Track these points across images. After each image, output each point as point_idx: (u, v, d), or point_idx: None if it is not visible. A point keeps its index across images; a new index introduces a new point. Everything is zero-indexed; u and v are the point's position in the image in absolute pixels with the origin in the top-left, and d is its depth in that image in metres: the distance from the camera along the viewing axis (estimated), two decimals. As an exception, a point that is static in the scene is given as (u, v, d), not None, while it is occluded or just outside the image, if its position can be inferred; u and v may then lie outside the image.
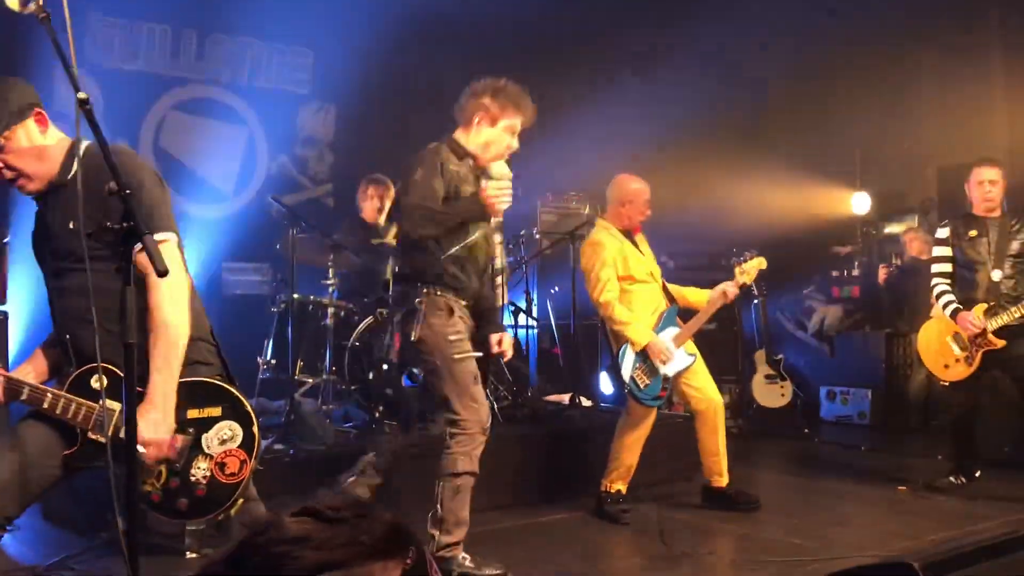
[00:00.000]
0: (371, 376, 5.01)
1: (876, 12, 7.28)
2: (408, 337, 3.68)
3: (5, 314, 4.29)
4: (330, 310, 5.17)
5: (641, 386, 4.54)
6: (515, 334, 6.78)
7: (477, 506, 4.67)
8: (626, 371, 4.56)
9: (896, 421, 7.28)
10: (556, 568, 3.88)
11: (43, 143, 2.50)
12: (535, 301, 6.65)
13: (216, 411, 2.54)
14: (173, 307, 2.44)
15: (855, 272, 8.00)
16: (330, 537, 0.94)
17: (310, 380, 5.23)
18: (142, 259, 2.27)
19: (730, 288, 4.72)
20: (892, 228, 8.00)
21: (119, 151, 2.45)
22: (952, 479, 5.11)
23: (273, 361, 5.31)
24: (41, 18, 2.12)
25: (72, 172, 2.46)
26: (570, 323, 6.45)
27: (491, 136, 3.79)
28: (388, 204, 6.00)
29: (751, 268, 4.74)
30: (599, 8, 7.94)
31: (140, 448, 2.34)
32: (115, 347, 2.20)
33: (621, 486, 4.69)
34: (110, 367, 2.36)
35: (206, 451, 2.52)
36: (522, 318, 6.59)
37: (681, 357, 4.64)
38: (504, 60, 7.79)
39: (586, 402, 6.16)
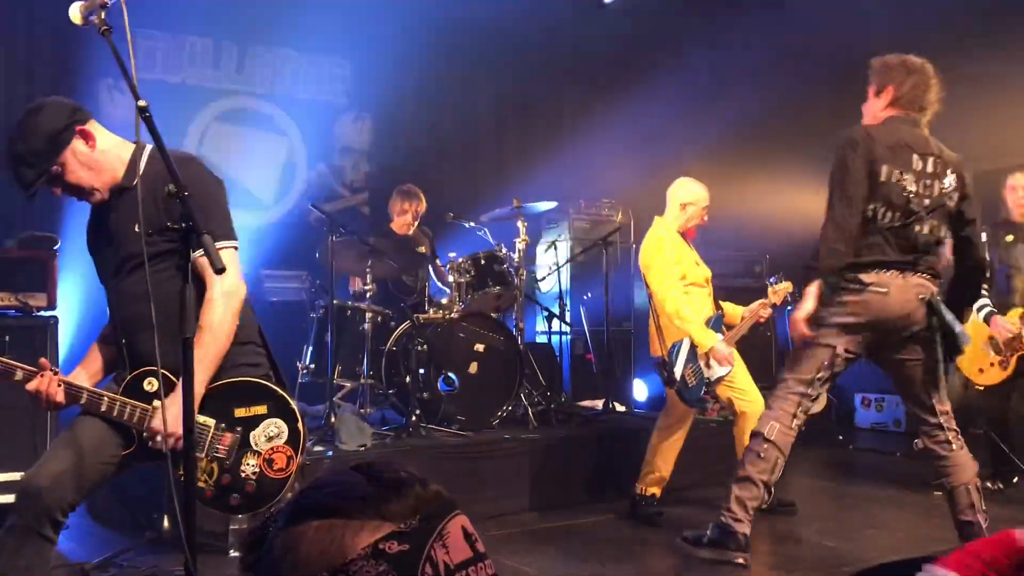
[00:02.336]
0: (408, 380, 5.09)
1: (912, 15, 7.26)
2: None
3: (55, 319, 4.41)
4: (367, 315, 5.26)
5: (688, 385, 4.59)
6: (548, 340, 6.86)
7: (513, 508, 4.77)
8: (678, 368, 4.59)
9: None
10: (592, 569, 3.93)
11: (93, 156, 2.56)
12: (568, 307, 6.70)
13: (262, 409, 2.62)
14: (224, 310, 2.53)
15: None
16: (350, 489, 1.02)
17: (348, 384, 5.33)
18: (202, 262, 2.38)
19: (764, 310, 4.79)
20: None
21: (187, 159, 2.59)
22: (989, 484, 5.09)
23: (312, 366, 5.42)
24: (103, 31, 2.23)
25: (137, 176, 2.55)
26: (603, 329, 6.49)
27: None
28: (419, 216, 6.10)
29: (781, 290, 4.81)
30: (631, 19, 8.00)
31: (158, 436, 2.44)
32: (172, 353, 2.30)
33: (656, 490, 4.72)
34: (167, 372, 2.46)
35: (254, 448, 2.60)
36: (556, 324, 6.64)
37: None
38: (537, 71, 7.94)
39: (620, 407, 6.20)
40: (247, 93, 7.09)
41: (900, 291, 3.48)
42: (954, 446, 3.59)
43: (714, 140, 7.24)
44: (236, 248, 2.63)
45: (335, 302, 5.20)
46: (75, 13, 2.28)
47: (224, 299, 2.53)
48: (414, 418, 4.97)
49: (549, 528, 4.56)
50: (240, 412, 2.62)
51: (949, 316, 3.48)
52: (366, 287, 5.36)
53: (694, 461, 5.15)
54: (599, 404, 6.10)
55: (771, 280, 4.89)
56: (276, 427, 2.61)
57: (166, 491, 3.79)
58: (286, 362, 5.64)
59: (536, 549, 4.14)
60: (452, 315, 5.28)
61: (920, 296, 3.50)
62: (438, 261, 5.89)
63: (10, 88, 6.01)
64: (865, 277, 3.50)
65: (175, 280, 2.26)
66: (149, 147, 2.61)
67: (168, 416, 2.38)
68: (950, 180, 3.58)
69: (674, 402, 4.68)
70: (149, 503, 4.15)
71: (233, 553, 3.88)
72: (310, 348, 5.46)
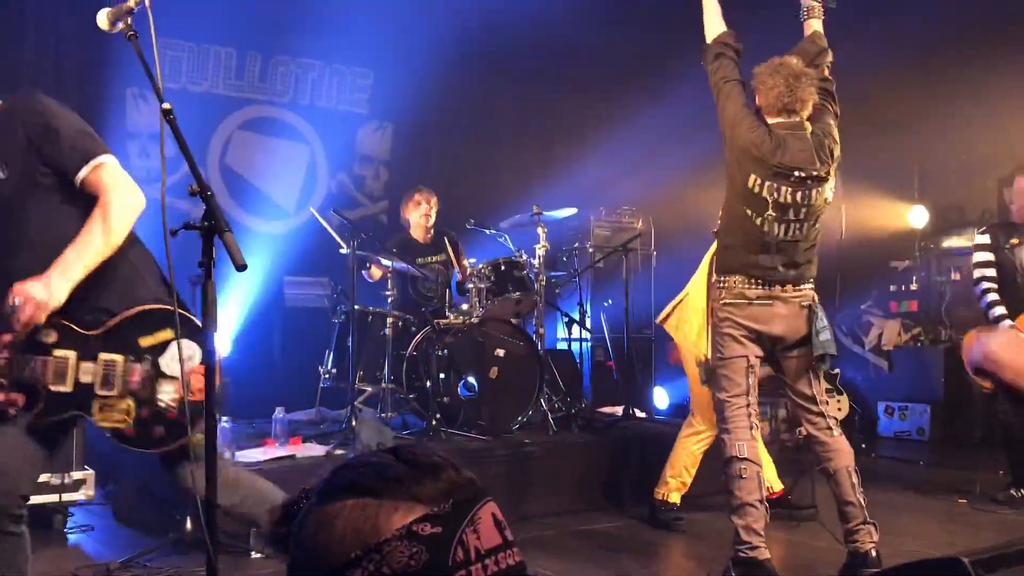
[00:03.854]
0: (428, 385, 5.12)
1: (933, 22, 7.23)
2: None
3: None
4: (388, 320, 5.30)
5: None
6: (569, 346, 6.87)
7: (533, 512, 4.78)
8: None
9: (957, 436, 7.17)
10: (613, 573, 3.93)
11: None
12: (588, 314, 6.71)
13: (168, 334, 2.52)
14: (120, 214, 2.44)
15: (913, 286, 7.92)
16: (383, 470, 1.04)
17: (369, 389, 5.37)
18: (93, 179, 2.41)
19: None
20: (950, 242, 7.90)
21: (33, 99, 2.51)
22: (1012, 491, 5.04)
23: (334, 370, 5.47)
24: (129, 36, 2.28)
25: None
26: (623, 336, 6.50)
27: None
28: (433, 210, 6.12)
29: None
30: (652, 27, 8.02)
31: (16, 300, 2.33)
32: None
33: (676, 496, 4.70)
34: (64, 322, 2.42)
35: (167, 374, 2.51)
36: (576, 330, 6.66)
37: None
38: (558, 79, 7.98)
39: (640, 414, 6.20)
40: (270, 102, 7.17)
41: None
42: (834, 432, 3.79)
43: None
44: (114, 160, 2.52)
45: (356, 307, 5.25)
46: (103, 19, 2.34)
47: (125, 206, 2.45)
48: (434, 422, 5.00)
49: (568, 532, 4.56)
50: (146, 341, 2.53)
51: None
52: (387, 293, 5.39)
53: (716, 469, 5.13)
54: (619, 410, 6.10)
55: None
56: (188, 348, 2.48)
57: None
58: (308, 367, 5.77)
59: (556, 553, 4.14)
60: (472, 320, 5.30)
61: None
62: (465, 262, 5.92)
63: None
64: None
65: (64, 218, 2.34)
66: None
67: (36, 284, 2.32)
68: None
69: (699, 409, 4.66)
70: (172, 505, 4.20)
71: (255, 555, 3.91)
72: (331, 353, 5.50)
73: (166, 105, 2.11)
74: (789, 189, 3.62)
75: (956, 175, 7.77)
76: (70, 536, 4.36)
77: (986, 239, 5.19)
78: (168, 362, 2.50)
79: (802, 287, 3.75)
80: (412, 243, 6.11)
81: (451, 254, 6.05)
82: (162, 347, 2.51)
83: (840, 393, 7.06)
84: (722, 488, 3.83)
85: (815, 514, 4.75)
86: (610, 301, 7.12)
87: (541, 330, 5.68)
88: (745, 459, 3.69)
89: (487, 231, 6.06)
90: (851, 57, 7.61)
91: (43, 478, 4.20)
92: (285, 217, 7.16)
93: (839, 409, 7.07)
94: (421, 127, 7.56)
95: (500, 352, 5.18)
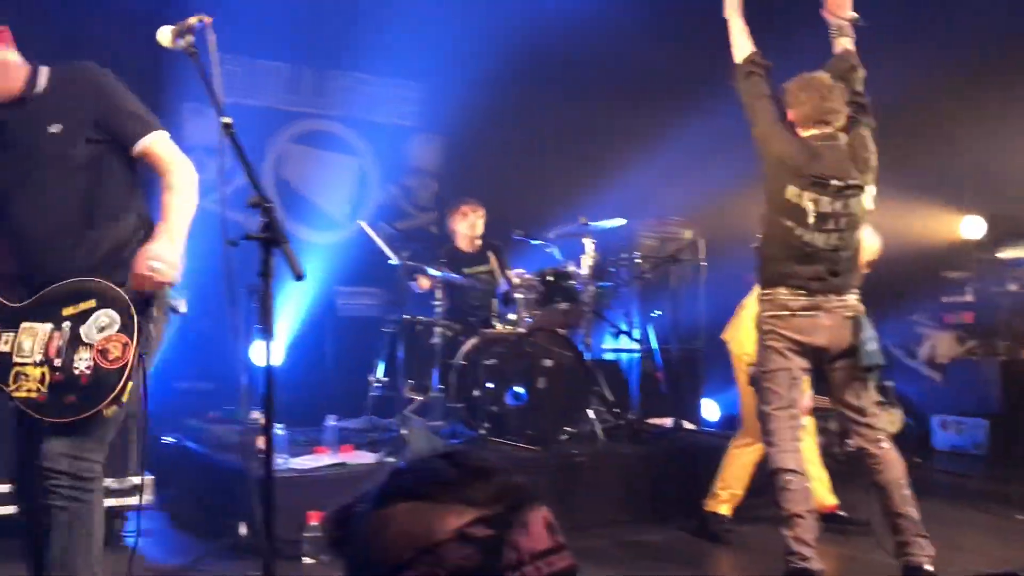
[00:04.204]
0: (476, 394, 5.15)
1: (988, 30, 7.12)
2: None
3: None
4: (437, 330, 5.35)
5: None
6: (617, 357, 6.86)
7: (581, 522, 4.77)
8: None
9: (1016, 451, 6.99)
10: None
11: (5, 58, 2.61)
12: (636, 324, 6.70)
13: (90, 303, 2.55)
14: (194, 186, 2.68)
15: (968, 298, 7.76)
16: (434, 474, 1.07)
17: (419, 398, 5.42)
18: (156, 151, 2.62)
19: None
20: (1006, 253, 7.73)
21: (84, 67, 2.67)
22: None
23: (385, 379, 5.53)
24: (191, 53, 2.36)
25: (41, 87, 2.62)
26: (672, 347, 6.48)
27: None
28: (479, 221, 6.17)
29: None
30: (700, 38, 7.99)
31: (155, 265, 2.51)
32: (78, 259, 2.50)
33: (727, 508, 4.67)
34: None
35: (85, 341, 2.52)
36: (624, 341, 6.64)
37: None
38: (607, 88, 7.99)
39: (689, 426, 6.16)
40: (322, 116, 7.30)
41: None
42: (884, 444, 3.80)
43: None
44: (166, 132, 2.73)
45: (406, 317, 5.31)
46: (165, 36, 2.42)
47: (192, 177, 2.69)
48: (483, 432, 5.03)
49: (617, 543, 4.55)
50: (68, 311, 2.55)
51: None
52: (436, 302, 5.45)
53: (768, 480, 5.08)
54: (668, 422, 6.07)
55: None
56: (107, 317, 2.52)
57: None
58: (359, 376, 5.85)
59: (604, 565, 4.14)
60: (520, 330, 5.33)
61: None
62: (510, 273, 5.96)
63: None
64: None
65: (95, 186, 2.47)
66: (44, 68, 2.68)
67: (162, 253, 2.52)
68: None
69: (750, 421, 4.63)
70: (228, 510, 4.28)
71: (307, 560, 3.97)
72: (381, 362, 5.57)
73: (226, 119, 2.18)
74: (828, 199, 3.67)
75: (1012, 185, 7.61)
76: (128, 541, 4.46)
77: None
78: (87, 330, 2.51)
79: (846, 297, 3.75)
80: (458, 253, 6.16)
81: (496, 264, 6.09)
82: (84, 315, 2.53)
83: (893, 406, 6.94)
84: (772, 501, 3.81)
85: (869, 528, 4.68)
86: (659, 312, 7.09)
87: (589, 340, 5.70)
88: (790, 470, 3.70)
89: (534, 242, 6.09)
90: (904, 65, 7.54)
91: (108, 481, 4.32)
92: (337, 228, 7.27)
93: (892, 422, 6.96)
94: (470, 139, 7.61)
95: (548, 362, 5.20)
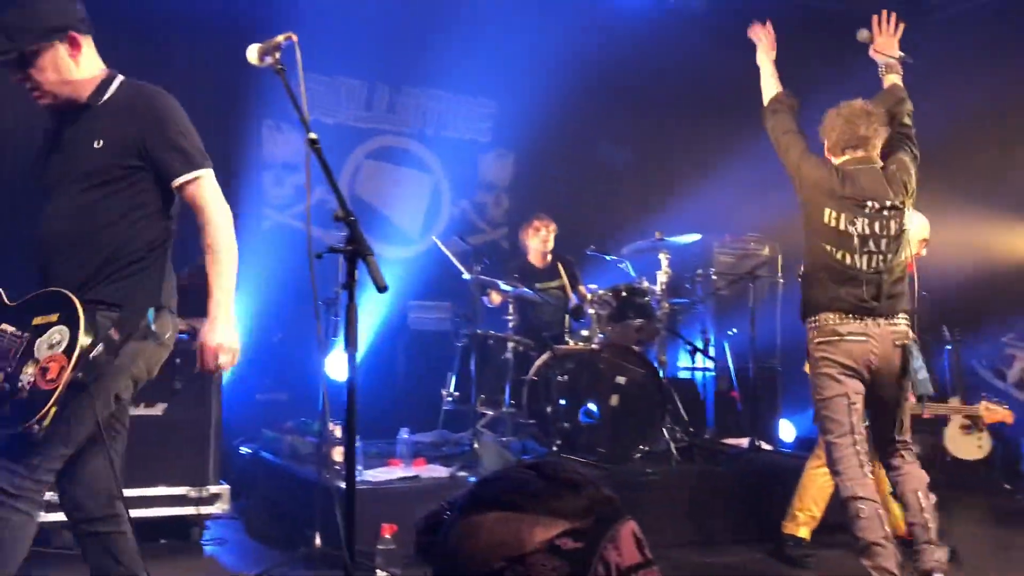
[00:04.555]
0: (548, 410, 5.12)
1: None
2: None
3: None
4: (509, 345, 5.34)
5: None
6: (692, 375, 6.76)
7: (654, 543, 4.67)
8: None
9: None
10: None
11: (69, 67, 2.57)
12: (712, 342, 6.59)
13: (53, 317, 2.48)
14: (230, 234, 2.64)
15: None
16: (523, 485, 1.05)
17: (490, 412, 5.41)
18: (194, 189, 2.55)
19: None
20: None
21: (151, 92, 2.63)
22: None
23: (456, 393, 5.54)
24: (278, 70, 2.40)
25: (106, 97, 2.60)
26: (748, 366, 6.35)
27: None
28: (550, 236, 6.17)
29: (997, 413, 4.67)
30: (777, 47, 7.88)
31: (222, 359, 2.58)
32: (85, 272, 2.46)
33: (806, 532, 4.55)
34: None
35: (35, 355, 2.45)
36: (699, 359, 6.54)
37: None
38: (680, 104, 7.92)
39: (766, 446, 6.03)
40: (397, 132, 7.39)
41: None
42: (907, 457, 3.82)
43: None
44: (212, 173, 2.65)
45: (478, 331, 5.31)
46: (253, 54, 2.47)
47: (227, 224, 2.62)
48: (554, 448, 4.99)
49: (691, 564, 4.46)
50: (37, 320, 2.50)
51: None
52: (508, 317, 5.44)
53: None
54: (744, 442, 5.95)
55: (991, 399, 5.01)
56: (59, 334, 2.44)
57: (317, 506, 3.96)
58: (431, 390, 5.87)
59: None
60: (592, 347, 5.29)
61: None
62: (582, 288, 5.93)
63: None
64: None
65: (115, 205, 2.44)
66: (120, 77, 2.67)
67: (224, 341, 2.55)
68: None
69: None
70: (302, 519, 4.33)
71: (381, 572, 3.98)
72: (454, 376, 5.58)
73: (312, 135, 2.21)
74: (866, 220, 3.72)
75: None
76: (206, 548, 4.54)
77: None
78: (40, 344, 2.45)
79: (895, 321, 3.74)
80: (530, 268, 6.16)
81: (566, 279, 6.07)
82: (44, 328, 2.47)
83: (980, 430, 6.70)
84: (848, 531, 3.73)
85: (955, 556, 4.51)
86: (735, 330, 6.97)
87: (663, 358, 5.63)
88: (860, 498, 3.64)
89: (608, 257, 6.05)
90: (994, 80, 7.32)
91: (181, 491, 4.42)
92: (410, 243, 7.34)
93: (979, 447, 6.71)
94: (542, 154, 7.62)
95: (621, 379, 5.14)
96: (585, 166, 7.75)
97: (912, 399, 3.93)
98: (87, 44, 2.61)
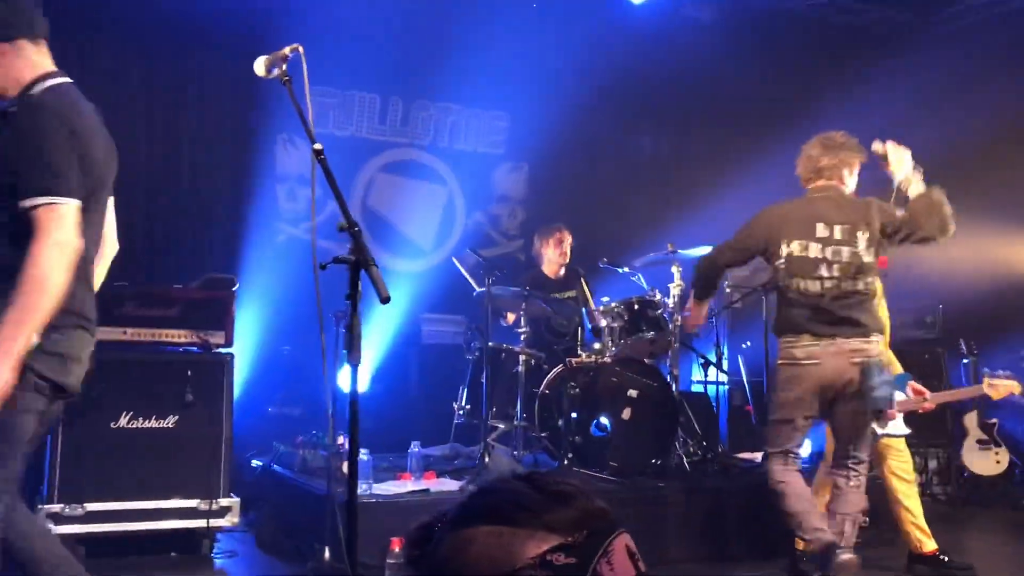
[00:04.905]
0: (560, 423, 5.10)
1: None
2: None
3: (232, 355, 4.70)
4: (521, 358, 5.32)
5: None
6: (705, 388, 6.71)
7: (665, 558, 4.65)
8: None
9: None
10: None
11: (21, 75, 2.47)
12: (726, 356, 6.55)
13: None
14: (52, 262, 2.29)
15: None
16: (518, 497, 1.04)
17: (502, 426, 5.39)
18: (35, 215, 2.27)
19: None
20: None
21: (30, 105, 2.41)
22: None
23: (468, 407, 5.53)
24: (284, 81, 2.41)
25: (14, 106, 2.45)
26: (762, 380, 6.30)
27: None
28: (567, 250, 6.17)
29: (1002, 386, 4.62)
30: (789, 67, 7.89)
31: None
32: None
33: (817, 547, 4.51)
34: None
35: None
36: (712, 372, 6.50)
37: (899, 425, 4.47)
38: (694, 115, 7.92)
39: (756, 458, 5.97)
40: (410, 145, 7.41)
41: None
42: (851, 481, 4.02)
43: (882, 182, 6.95)
44: (64, 205, 2.33)
45: (490, 344, 5.30)
46: (259, 66, 2.48)
47: (53, 249, 2.28)
48: (566, 462, 4.97)
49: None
50: None
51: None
52: (521, 330, 5.43)
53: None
54: (758, 456, 5.89)
55: (994, 374, 4.75)
56: None
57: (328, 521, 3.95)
58: (443, 403, 5.86)
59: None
60: (605, 359, 5.26)
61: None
62: (591, 303, 5.92)
63: (193, 147, 6.51)
64: None
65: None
66: (47, 84, 2.48)
67: None
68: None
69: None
70: (311, 533, 4.31)
71: (389, 586, 3.96)
72: (465, 390, 5.57)
73: (317, 146, 2.21)
74: (819, 246, 3.90)
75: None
76: (216, 561, 4.54)
77: None
78: None
79: (850, 341, 3.87)
80: (544, 279, 6.15)
81: (584, 291, 6.06)
82: None
83: (998, 445, 6.62)
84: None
85: (972, 571, 4.46)
86: (748, 343, 6.92)
87: (676, 371, 5.58)
88: (782, 482, 4.06)
89: (620, 270, 6.03)
90: (1009, 96, 7.27)
91: (191, 503, 4.42)
92: (423, 256, 7.34)
93: (997, 462, 6.63)
94: (556, 167, 7.63)
95: (633, 393, 5.11)
96: (599, 178, 7.74)
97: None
98: (16, 50, 2.47)
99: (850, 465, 4.01)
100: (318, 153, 2.21)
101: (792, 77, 7.78)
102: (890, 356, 4.60)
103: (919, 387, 4.53)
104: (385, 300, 2.07)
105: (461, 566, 1.02)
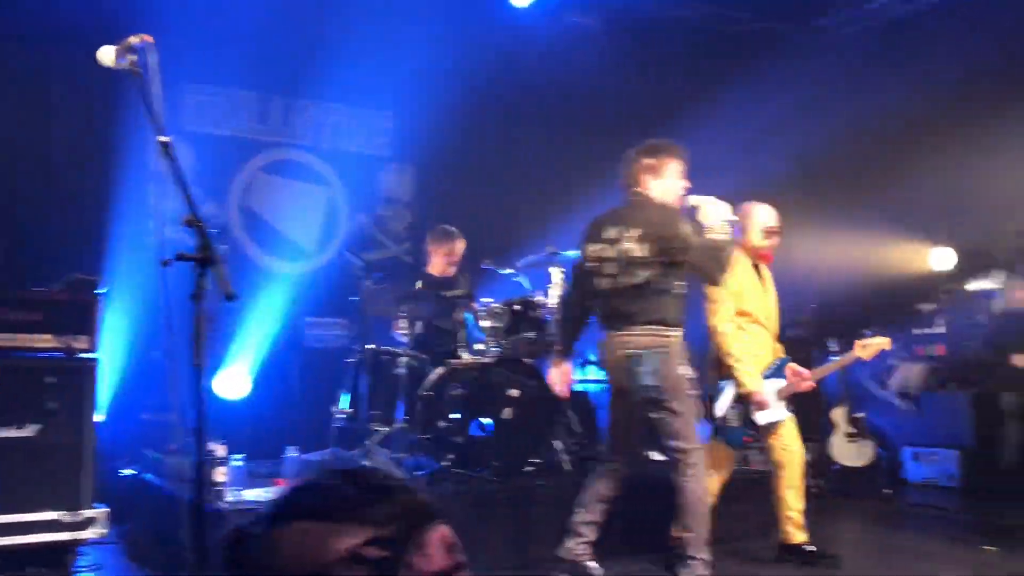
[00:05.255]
0: (442, 425, 5.08)
1: (957, 68, 7.23)
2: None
3: (97, 361, 4.50)
4: (403, 360, 5.29)
5: (729, 425, 4.56)
6: (585, 388, 6.80)
7: (545, 556, 4.67)
8: (720, 407, 4.58)
9: (988, 482, 6.96)
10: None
11: None
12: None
13: None
14: None
15: (939, 329, 7.76)
16: (330, 492, 1.02)
17: (383, 429, 5.34)
18: None
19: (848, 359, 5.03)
20: (976, 285, 7.75)
21: None
22: None
23: (351, 411, 5.45)
24: (135, 73, 2.32)
25: None
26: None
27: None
28: (458, 256, 6.16)
29: (872, 344, 4.80)
30: (672, 71, 8.09)
31: None
32: None
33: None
34: None
35: None
36: (592, 371, 6.60)
37: (779, 410, 4.62)
38: (577, 120, 8.02)
39: (658, 457, 6.09)
40: (292, 145, 7.26)
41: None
42: (680, 478, 4.14)
43: (762, 186, 7.18)
44: None
45: (372, 347, 5.24)
46: (106, 56, 2.39)
47: None
48: (447, 463, 4.95)
49: (581, 577, 4.46)
50: None
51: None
52: (402, 331, 5.39)
53: (736, 512, 5.03)
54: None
55: (863, 335, 4.96)
56: None
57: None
58: (325, 408, 5.76)
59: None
60: (486, 360, 5.28)
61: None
62: (474, 305, 5.92)
63: (59, 144, 6.24)
64: None
65: None
66: None
67: None
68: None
69: (713, 447, 4.61)
70: (183, 542, 4.17)
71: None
72: (346, 393, 5.50)
73: (164, 138, 2.14)
74: (605, 246, 4.16)
75: (981, 217, 7.67)
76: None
77: None
78: None
79: (622, 334, 4.10)
80: (432, 279, 6.12)
81: (469, 291, 6.05)
82: None
83: (864, 438, 6.93)
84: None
85: (837, 565, 4.64)
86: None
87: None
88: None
89: (503, 271, 6.06)
90: (878, 100, 7.63)
91: (53, 516, 4.21)
92: (306, 258, 7.21)
93: (863, 454, 6.93)
94: (443, 168, 7.60)
95: (514, 393, 5.14)
96: (485, 181, 7.75)
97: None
98: None
99: (674, 456, 4.10)
100: (165, 147, 2.14)
101: (675, 84, 7.98)
102: (775, 345, 4.78)
103: (798, 368, 4.72)
104: (230, 298, 2.02)
105: (274, 564, 1.00)
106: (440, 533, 1.06)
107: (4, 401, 4.19)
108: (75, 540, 4.29)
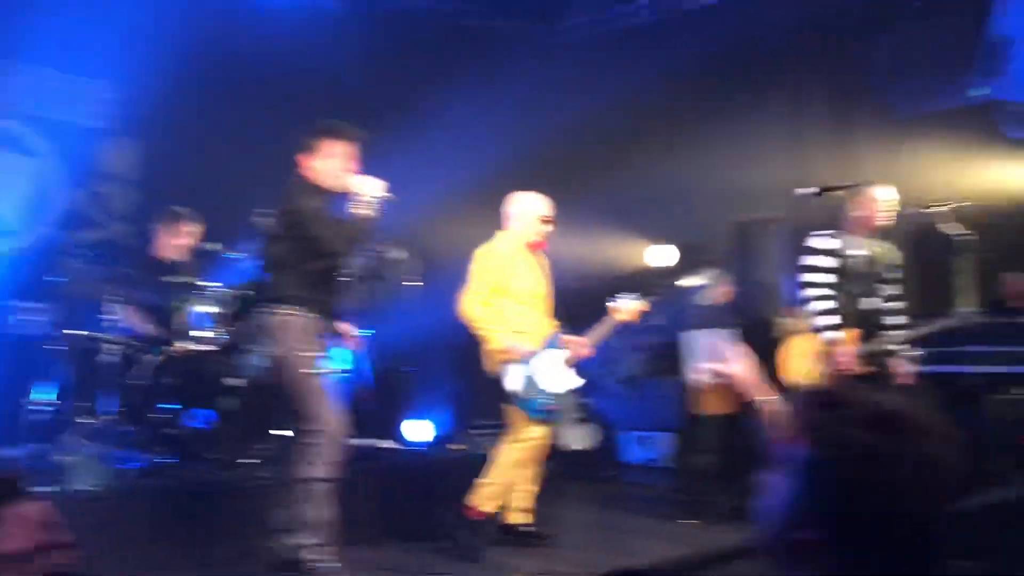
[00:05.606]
0: (155, 417, 4.78)
1: (680, 68, 7.73)
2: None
3: None
4: (112, 347, 4.92)
5: (526, 398, 4.60)
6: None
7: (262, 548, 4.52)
8: (510, 384, 4.59)
9: (693, 462, 7.52)
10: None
11: None
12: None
13: None
14: None
15: (656, 321, 8.30)
16: None
17: (91, 421, 4.94)
18: None
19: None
20: (687, 280, 8.38)
21: None
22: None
23: (58, 402, 5.01)
24: None
25: None
26: (378, 368, 6.42)
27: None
28: (191, 239, 5.85)
29: (630, 307, 4.98)
30: (408, 61, 8.11)
31: None
32: None
33: (490, 507, 4.70)
34: None
35: None
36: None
37: (571, 377, 4.74)
38: (308, 99, 7.79)
39: (389, 445, 6.13)
40: (-4, 111, 6.55)
41: None
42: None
43: (485, 180, 7.33)
44: None
45: (77, 332, 4.84)
46: None
47: None
48: (161, 456, 4.67)
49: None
50: None
51: None
52: (113, 317, 5.02)
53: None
54: (374, 443, 6.00)
55: (617, 297, 5.09)
56: None
57: None
58: (24, 399, 5.23)
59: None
60: (208, 347, 5.03)
61: None
62: (202, 290, 5.63)
63: None
64: None
65: None
66: None
67: None
68: None
69: (515, 420, 4.66)
70: None
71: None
72: (49, 384, 5.04)
73: None
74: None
75: (693, 216, 8.29)
76: None
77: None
78: None
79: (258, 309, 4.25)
80: (157, 264, 5.74)
81: (196, 275, 5.75)
82: None
83: (587, 422, 7.30)
84: None
85: (543, 543, 4.83)
86: (371, 331, 7.00)
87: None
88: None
89: (231, 255, 5.80)
90: (597, 99, 8.03)
91: None
92: (10, 237, 6.53)
93: (588, 438, 7.30)
94: (174, 146, 7.13)
95: (235, 382, 4.94)
96: (215, 158, 7.38)
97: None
98: None
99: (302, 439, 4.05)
100: None
101: (414, 74, 7.99)
102: (548, 323, 4.92)
103: (574, 338, 4.86)
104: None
105: None
106: (26, 510, 0.98)
107: None
108: None
